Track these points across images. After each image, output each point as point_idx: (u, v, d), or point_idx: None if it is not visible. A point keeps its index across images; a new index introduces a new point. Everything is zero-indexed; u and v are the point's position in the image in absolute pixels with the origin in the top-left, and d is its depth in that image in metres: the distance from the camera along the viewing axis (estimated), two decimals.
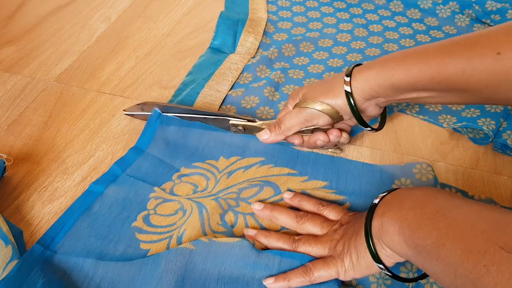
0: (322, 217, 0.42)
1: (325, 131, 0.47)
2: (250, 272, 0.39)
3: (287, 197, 0.45)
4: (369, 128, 0.45)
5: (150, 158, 0.50)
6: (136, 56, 0.66)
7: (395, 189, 0.36)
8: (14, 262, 0.39)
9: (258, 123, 0.49)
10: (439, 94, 0.38)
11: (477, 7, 0.68)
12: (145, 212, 0.45)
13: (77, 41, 0.69)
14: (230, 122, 0.51)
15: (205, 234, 0.42)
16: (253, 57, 0.64)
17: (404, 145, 0.52)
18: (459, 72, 0.34)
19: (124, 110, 0.55)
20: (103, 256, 0.41)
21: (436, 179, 0.46)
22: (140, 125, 0.54)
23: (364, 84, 0.40)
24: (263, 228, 0.44)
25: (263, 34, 0.68)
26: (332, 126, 0.47)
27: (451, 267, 0.27)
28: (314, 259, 0.39)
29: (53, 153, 0.52)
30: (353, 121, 0.46)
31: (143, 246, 0.42)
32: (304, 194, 0.46)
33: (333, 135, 0.46)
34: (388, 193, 0.36)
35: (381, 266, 0.35)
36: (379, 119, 0.47)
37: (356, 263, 0.36)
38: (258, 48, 0.66)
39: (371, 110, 0.43)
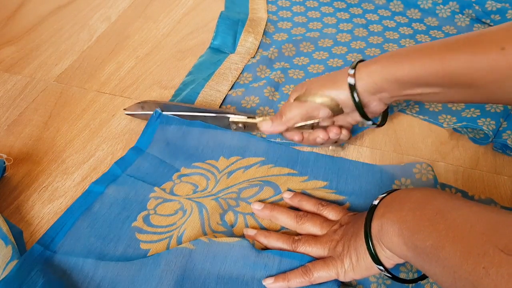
0: (322, 217, 0.42)
1: (325, 128, 0.46)
2: (249, 272, 0.39)
3: (287, 197, 0.45)
4: (370, 122, 0.44)
5: (150, 158, 0.50)
6: (136, 56, 0.66)
7: (395, 190, 0.36)
8: (14, 262, 0.39)
9: (258, 119, 0.49)
10: (443, 90, 0.38)
11: (477, 7, 0.68)
12: (145, 212, 0.45)
13: (77, 41, 0.69)
14: (230, 119, 0.50)
15: (205, 234, 0.42)
16: (253, 57, 0.64)
17: (404, 145, 0.52)
18: (464, 67, 0.35)
19: (124, 109, 0.55)
20: (103, 256, 0.41)
21: (436, 179, 0.46)
22: (140, 125, 0.54)
23: (368, 78, 0.40)
24: (263, 228, 0.44)
25: (263, 34, 0.68)
26: (333, 122, 0.47)
27: (451, 269, 0.27)
28: (314, 259, 0.39)
29: (53, 153, 0.52)
30: (353, 118, 0.46)
31: (143, 246, 0.42)
32: (304, 194, 0.46)
33: (333, 132, 0.46)
34: (388, 194, 0.36)
35: (381, 267, 0.34)
36: (379, 117, 0.47)
37: (355, 264, 0.36)
38: (258, 48, 0.66)
39: (374, 105, 0.43)
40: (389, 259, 0.34)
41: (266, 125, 0.47)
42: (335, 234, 0.39)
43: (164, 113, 0.53)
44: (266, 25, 0.70)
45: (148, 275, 0.39)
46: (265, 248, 0.41)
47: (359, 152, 0.51)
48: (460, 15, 0.70)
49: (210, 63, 0.63)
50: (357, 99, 0.41)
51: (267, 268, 0.39)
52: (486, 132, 0.49)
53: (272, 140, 0.52)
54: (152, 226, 0.44)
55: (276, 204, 0.45)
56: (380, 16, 0.72)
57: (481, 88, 0.35)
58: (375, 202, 0.36)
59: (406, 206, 0.33)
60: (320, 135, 0.46)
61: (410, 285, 0.39)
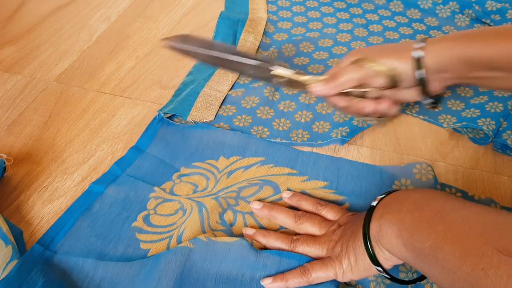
0: (321, 217, 0.42)
1: (373, 99, 0.43)
2: (248, 272, 0.39)
3: (286, 196, 0.45)
4: (429, 101, 0.42)
5: (150, 158, 0.50)
6: (136, 56, 0.66)
7: (394, 191, 0.36)
8: (14, 262, 0.39)
9: (306, 77, 0.44)
10: (509, 75, 0.37)
11: (477, 7, 0.68)
12: (145, 212, 0.45)
13: (77, 41, 0.69)
14: (273, 72, 0.44)
15: (204, 233, 0.42)
16: None
17: (404, 145, 0.52)
18: None
19: (165, 39, 0.49)
20: (103, 256, 0.41)
21: (436, 179, 0.46)
22: (140, 125, 0.54)
23: (437, 55, 0.38)
24: (262, 227, 0.44)
25: (263, 34, 0.68)
26: (379, 97, 0.44)
27: (450, 270, 0.27)
28: (312, 259, 0.39)
29: (53, 153, 0.52)
30: (403, 96, 0.43)
31: (143, 246, 0.42)
32: (304, 193, 0.46)
33: (384, 105, 0.43)
34: (386, 195, 0.36)
35: (379, 268, 0.34)
36: (429, 102, 0.44)
37: (354, 265, 0.36)
38: (258, 48, 0.66)
39: (434, 85, 0.41)
40: (388, 260, 0.34)
41: (318, 87, 0.43)
42: (334, 235, 0.39)
43: (166, 118, 0.53)
44: (266, 25, 0.70)
45: (148, 275, 0.39)
46: (264, 248, 0.41)
47: (359, 152, 0.51)
48: (460, 15, 0.70)
49: None
50: (423, 74, 0.39)
51: (266, 268, 0.39)
52: (486, 132, 0.49)
53: (272, 140, 0.52)
54: (152, 226, 0.44)
55: (275, 204, 0.45)
56: (380, 16, 0.72)
57: None
58: (374, 203, 0.36)
59: (404, 207, 0.32)
60: (368, 105, 0.43)
61: (409, 285, 0.39)
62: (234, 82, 0.60)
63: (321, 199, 0.45)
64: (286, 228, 0.43)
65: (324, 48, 0.66)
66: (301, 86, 0.45)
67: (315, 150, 0.51)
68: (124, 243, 0.43)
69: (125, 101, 0.58)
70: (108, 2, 0.78)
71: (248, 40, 0.66)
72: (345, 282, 0.39)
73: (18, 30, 0.71)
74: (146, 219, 0.44)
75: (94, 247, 0.42)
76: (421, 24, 0.70)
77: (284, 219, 0.43)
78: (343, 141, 0.50)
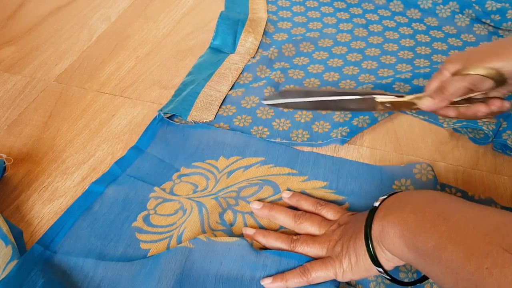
0: (320, 217, 0.42)
1: (482, 101, 0.44)
2: (248, 272, 0.39)
3: (285, 196, 0.45)
4: None
5: (150, 158, 0.50)
6: (136, 56, 0.66)
7: (396, 192, 0.36)
8: (14, 262, 0.39)
9: (411, 96, 0.46)
10: None
11: (477, 7, 0.68)
12: (145, 212, 0.45)
13: (77, 41, 0.69)
14: (377, 99, 0.47)
15: (204, 233, 0.42)
16: (253, 57, 0.64)
17: (404, 145, 0.52)
18: None
19: (263, 101, 0.51)
20: (103, 256, 0.41)
21: (436, 179, 0.46)
22: (140, 125, 0.54)
23: None
24: (261, 227, 0.44)
25: (263, 34, 0.68)
26: (485, 94, 0.44)
27: (453, 270, 0.27)
28: (312, 259, 0.39)
29: (53, 153, 0.52)
30: (507, 89, 0.43)
31: (143, 246, 0.42)
32: (303, 193, 0.46)
33: (495, 105, 0.43)
34: (389, 196, 0.36)
35: (380, 269, 0.34)
36: None
37: (354, 265, 0.36)
38: (258, 48, 0.66)
39: None
40: (389, 261, 0.34)
41: (428, 102, 0.44)
42: (334, 234, 0.39)
43: (166, 118, 0.53)
44: (266, 25, 0.70)
45: (148, 275, 0.39)
46: (264, 248, 0.41)
47: (359, 152, 0.51)
48: (460, 15, 0.70)
49: (210, 63, 0.63)
50: None
51: (266, 268, 0.39)
52: (486, 132, 0.49)
53: (272, 140, 0.52)
54: (152, 226, 0.44)
55: (275, 204, 0.45)
56: (380, 16, 0.72)
57: None
58: (376, 204, 0.36)
59: (407, 208, 0.32)
60: (481, 109, 0.43)
61: (410, 287, 0.39)
62: (234, 82, 0.60)
63: (321, 199, 0.45)
64: (286, 228, 0.43)
65: (324, 48, 0.66)
66: (406, 106, 0.47)
67: (315, 150, 0.51)
68: (124, 243, 0.43)
69: (125, 101, 0.58)
70: (108, 2, 0.78)
71: (248, 40, 0.66)
72: (345, 282, 0.39)
73: (18, 30, 0.71)
74: (146, 219, 0.44)
75: (94, 247, 0.42)
76: (421, 24, 0.70)
77: (284, 219, 0.43)
78: (343, 141, 0.50)
